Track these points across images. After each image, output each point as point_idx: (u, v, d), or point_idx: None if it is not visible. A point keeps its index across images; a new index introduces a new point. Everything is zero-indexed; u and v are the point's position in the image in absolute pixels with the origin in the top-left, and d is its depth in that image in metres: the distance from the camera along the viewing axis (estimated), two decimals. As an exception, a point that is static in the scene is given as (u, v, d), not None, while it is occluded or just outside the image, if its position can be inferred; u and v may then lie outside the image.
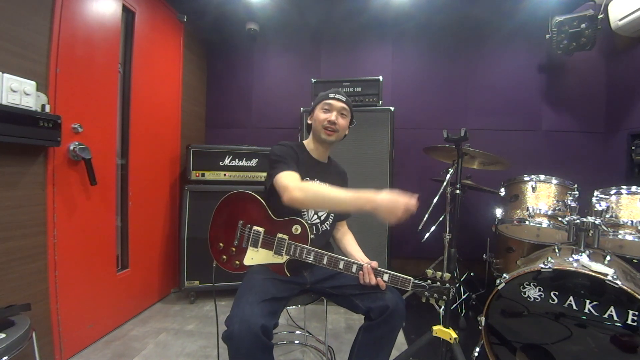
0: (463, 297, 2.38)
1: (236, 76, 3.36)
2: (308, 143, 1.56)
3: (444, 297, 1.25)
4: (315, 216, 1.48)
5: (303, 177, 1.41)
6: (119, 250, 2.22)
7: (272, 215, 1.42)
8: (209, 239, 1.48)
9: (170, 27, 2.69)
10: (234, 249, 1.43)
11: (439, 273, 1.29)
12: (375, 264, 1.33)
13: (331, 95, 1.49)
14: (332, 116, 1.47)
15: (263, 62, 3.35)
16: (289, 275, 1.37)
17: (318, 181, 1.47)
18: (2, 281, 1.45)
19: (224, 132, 3.35)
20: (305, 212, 1.46)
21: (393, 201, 1.15)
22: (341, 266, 1.31)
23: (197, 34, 3.10)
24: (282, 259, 1.37)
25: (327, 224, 1.51)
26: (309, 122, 1.56)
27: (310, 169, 1.48)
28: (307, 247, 1.35)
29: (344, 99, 1.50)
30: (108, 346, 1.95)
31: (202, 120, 3.34)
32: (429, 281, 1.27)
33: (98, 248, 1.99)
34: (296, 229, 1.38)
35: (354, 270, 1.31)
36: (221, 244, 1.45)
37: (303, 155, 1.49)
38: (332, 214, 1.52)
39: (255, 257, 1.40)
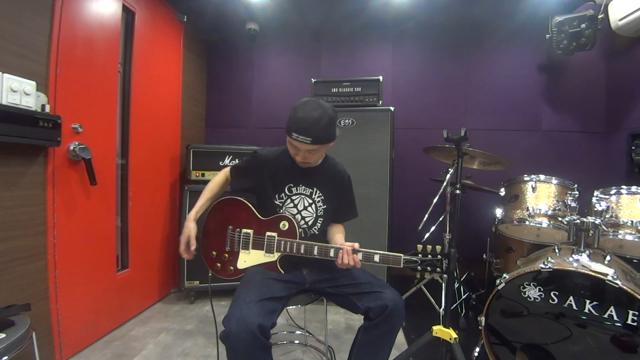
0: (463, 297, 2.38)
1: (236, 76, 3.36)
2: None
3: (438, 269, 1.24)
4: (303, 221, 1.47)
5: (286, 184, 1.45)
6: (119, 250, 2.22)
7: (260, 216, 1.44)
8: (201, 249, 1.48)
9: (170, 27, 2.69)
10: (226, 254, 1.45)
11: (429, 247, 1.28)
12: (356, 245, 1.30)
13: (294, 136, 1.29)
14: (299, 157, 1.37)
15: (263, 62, 3.35)
16: (282, 272, 1.38)
17: (303, 186, 1.47)
18: (2, 281, 1.45)
19: (224, 132, 3.35)
20: (294, 217, 1.44)
21: (184, 237, 1.44)
22: (332, 254, 1.31)
23: (197, 34, 3.10)
24: (274, 256, 1.39)
25: (316, 228, 1.49)
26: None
27: (293, 175, 1.46)
28: (297, 241, 1.36)
29: (309, 139, 1.27)
30: (108, 346, 1.95)
31: (202, 120, 3.34)
32: (419, 255, 1.26)
33: (98, 248, 1.99)
34: (284, 225, 1.40)
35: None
36: (214, 252, 1.47)
37: (284, 162, 1.46)
38: (320, 219, 1.49)
39: (248, 259, 1.42)
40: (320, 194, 1.49)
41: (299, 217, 1.46)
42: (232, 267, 1.44)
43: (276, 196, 1.46)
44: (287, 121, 1.33)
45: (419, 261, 1.25)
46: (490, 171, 2.37)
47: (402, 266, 1.25)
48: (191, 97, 3.05)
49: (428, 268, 1.25)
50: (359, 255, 1.29)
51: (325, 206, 1.49)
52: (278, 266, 1.38)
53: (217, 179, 1.60)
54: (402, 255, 1.26)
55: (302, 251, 1.34)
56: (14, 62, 1.47)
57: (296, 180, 1.46)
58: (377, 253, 1.28)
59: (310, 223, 1.48)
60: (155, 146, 2.52)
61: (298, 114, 1.30)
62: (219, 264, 1.46)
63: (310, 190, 1.48)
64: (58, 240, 1.70)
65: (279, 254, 1.38)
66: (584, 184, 2.09)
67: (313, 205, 1.48)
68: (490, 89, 3.10)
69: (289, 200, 1.46)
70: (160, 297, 2.65)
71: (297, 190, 1.46)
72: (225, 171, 1.60)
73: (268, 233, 1.40)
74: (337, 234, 1.51)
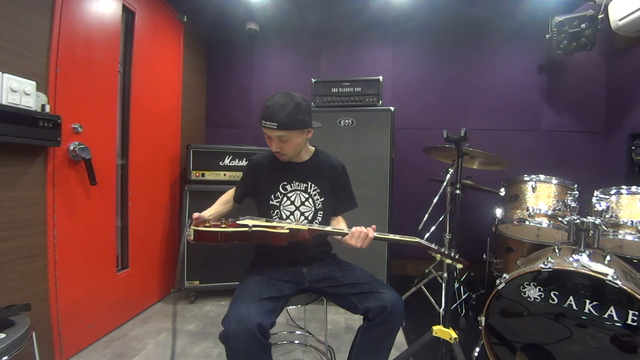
0: (463, 297, 2.38)
1: (236, 76, 3.36)
2: None
3: (453, 254, 1.36)
4: (302, 217, 1.47)
5: (280, 182, 1.47)
6: (119, 250, 2.22)
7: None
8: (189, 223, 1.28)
9: (170, 27, 2.69)
10: (225, 224, 1.23)
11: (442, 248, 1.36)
12: (374, 227, 1.34)
13: (262, 123, 1.34)
14: (273, 147, 1.39)
15: (263, 62, 3.35)
16: (285, 244, 1.24)
17: (297, 182, 1.48)
18: (2, 281, 1.45)
19: (224, 132, 3.35)
20: (292, 214, 1.46)
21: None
22: (345, 230, 1.33)
23: (197, 34, 3.10)
24: (284, 228, 1.25)
25: (317, 222, 1.49)
26: None
27: (285, 173, 1.47)
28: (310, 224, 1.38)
29: (275, 125, 1.31)
30: (108, 346, 1.95)
31: (202, 120, 3.34)
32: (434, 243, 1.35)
33: (98, 248, 1.99)
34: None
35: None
36: (208, 223, 1.24)
37: (275, 162, 1.47)
38: (320, 212, 1.49)
39: (253, 221, 1.26)
40: (316, 187, 1.49)
41: (297, 213, 1.46)
42: (224, 224, 1.21)
43: (272, 196, 1.46)
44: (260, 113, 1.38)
45: (435, 246, 1.32)
46: (490, 171, 2.37)
47: (417, 240, 1.32)
48: (191, 97, 3.05)
49: (444, 251, 1.34)
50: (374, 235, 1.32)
51: (322, 199, 1.49)
52: (283, 239, 1.24)
53: (229, 191, 1.64)
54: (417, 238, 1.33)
55: (314, 227, 1.32)
56: (14, 62, 1.47)
57: (289, 177, 1.47)
58: (393, 234, 1.35)
59: (310, 217, 1.48)
60: (155, 146, 2.52)
61: (266, 104, 1.35)
62: (207, 225, 1.20)
63: (304, 185, 1.48)
64: (58, 240, 1.70)
65: (291, 226, 1.26)
66: (584, 184, 2.09)
67: (310, 200, 1.48)
68: (490, 89, 3.10)
69: (285, 199, 1.46)
70: (160, 297, 2.65)
71: (291, 187, 1.47)
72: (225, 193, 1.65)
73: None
74: (339, 224, 1.52)
